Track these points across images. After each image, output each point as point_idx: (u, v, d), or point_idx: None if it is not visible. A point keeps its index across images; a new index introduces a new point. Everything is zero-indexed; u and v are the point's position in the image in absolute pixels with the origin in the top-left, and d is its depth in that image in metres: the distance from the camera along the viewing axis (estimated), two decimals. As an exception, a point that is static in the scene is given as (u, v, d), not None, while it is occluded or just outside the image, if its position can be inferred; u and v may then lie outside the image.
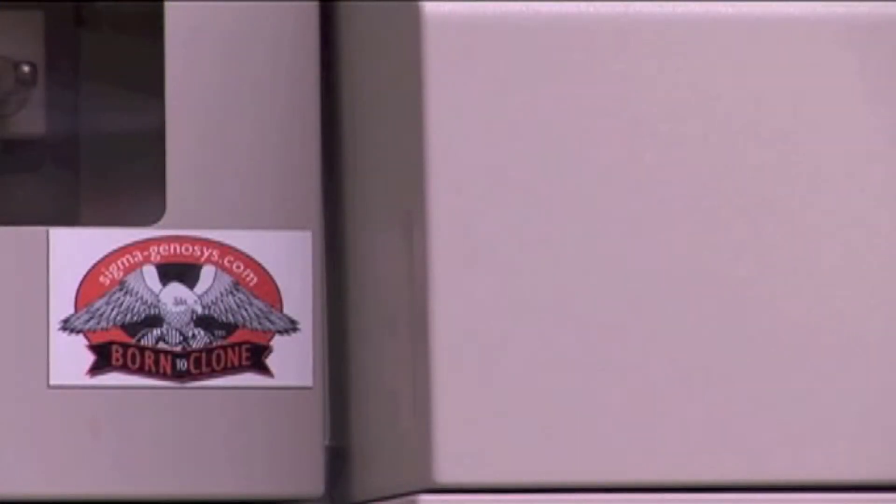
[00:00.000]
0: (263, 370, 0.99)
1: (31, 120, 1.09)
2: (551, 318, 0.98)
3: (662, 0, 1.07)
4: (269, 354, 0.95)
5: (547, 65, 1.00)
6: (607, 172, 0.98)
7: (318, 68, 1.11)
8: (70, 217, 1.08)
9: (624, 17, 1.02)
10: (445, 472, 0.97)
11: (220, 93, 1.05)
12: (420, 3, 0.94)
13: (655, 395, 1.04)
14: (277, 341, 0.97)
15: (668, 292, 0.99)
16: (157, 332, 0.96)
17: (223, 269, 0.95)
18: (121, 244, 0.97)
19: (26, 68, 1.05)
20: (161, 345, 0.96)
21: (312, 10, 1.08)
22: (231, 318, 0.95)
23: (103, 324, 0.96)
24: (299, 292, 1.00)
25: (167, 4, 1.06)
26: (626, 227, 0.96)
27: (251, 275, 0.96)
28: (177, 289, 1.01)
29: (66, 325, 0.97)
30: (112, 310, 0.97)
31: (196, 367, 0.97)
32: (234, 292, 0.95)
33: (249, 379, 0.95)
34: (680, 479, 1.08)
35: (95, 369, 0.96)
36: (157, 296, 0.98)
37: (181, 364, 0.96)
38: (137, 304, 0.97)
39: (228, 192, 1.01)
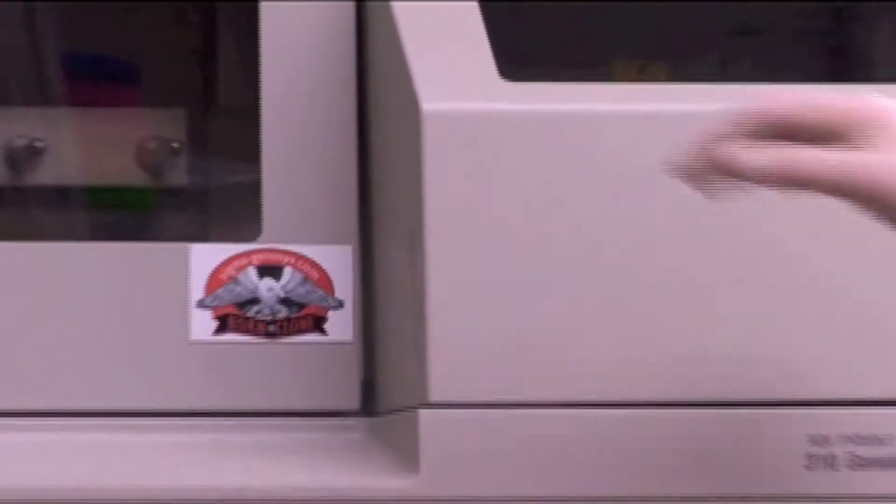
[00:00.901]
0: (322, 332, 1.32)
1: (178, 176, 1.44)
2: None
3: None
4: (325, 322, 1.28)
5: (517, 148, 1.24)
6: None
7: (356, 104, 1.38)
8: (202, 236, 1.40)
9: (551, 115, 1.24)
10: (437, 392, 1.26)
11: (301, 146, 1.35)
12: (420, 103, 1.22)
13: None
14: (331, 315, 1.29)
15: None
16: (256, 308, 1.28)
17: (297, 269, 1.29)
18: (234, 253, 1.29)
19: (176, 144, 1.40)
20: (259, 316, 1.27)
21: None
22: (302, 300, 1.28)
23: (223, 303, 1.28)
24: (344, 284, 1.32)
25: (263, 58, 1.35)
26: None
27: (314, 273, 1.29)
28: (268, 282, 1.32)
29: (201, 304, 1.28)
30: (228, 294, 1.28)
31: (280, 330, 1.29)
32: (304, 284, 1.28)
33: (313, 338, 1.28)
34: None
35: (218, 331, 1.28)
36: (256, 286, 1.30)
37: (271, 328, 1.28)
38: (244, 291, 1.28)
39: (300, 218, 1.32)
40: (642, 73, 1.69)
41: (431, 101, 1.21)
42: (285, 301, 1.32)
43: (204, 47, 1.59)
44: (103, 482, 1.29)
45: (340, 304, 1.35)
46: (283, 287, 1.33)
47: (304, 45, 1.44)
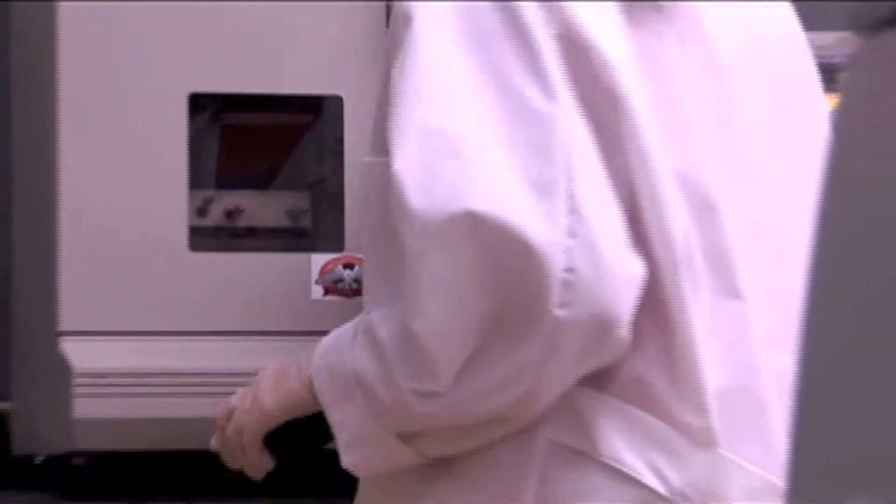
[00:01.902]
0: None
1: (306, 222, 1.90)
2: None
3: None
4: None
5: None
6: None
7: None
8: (317, 249, 1.84)
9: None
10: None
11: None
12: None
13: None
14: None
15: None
16: (341, 284, 1.78)
17: (360, 265, 1.71)
18: (331, 258, 1.80)
19: (305, 208, 1.84)
20: (342, 286, 1.79)
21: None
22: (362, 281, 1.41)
23: (326, 281, 1.79)
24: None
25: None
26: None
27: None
28: (348, 271, 1.82)
29: (316, 282, 1.80)
30: (329, 277, 1.78)
31: (354, 294, 1.77)
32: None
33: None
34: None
35: (324, 294, 1.79)
36: (342, 273, 1.80)
37: (348, 293, 1.81)
38: (336, 275, 1.79)
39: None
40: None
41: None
42: (356, 281, 1.82)
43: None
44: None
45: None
46: (355, 274, 1.84)
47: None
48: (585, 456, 1.26)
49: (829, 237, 0.54)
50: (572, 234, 1.19)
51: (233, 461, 1.41)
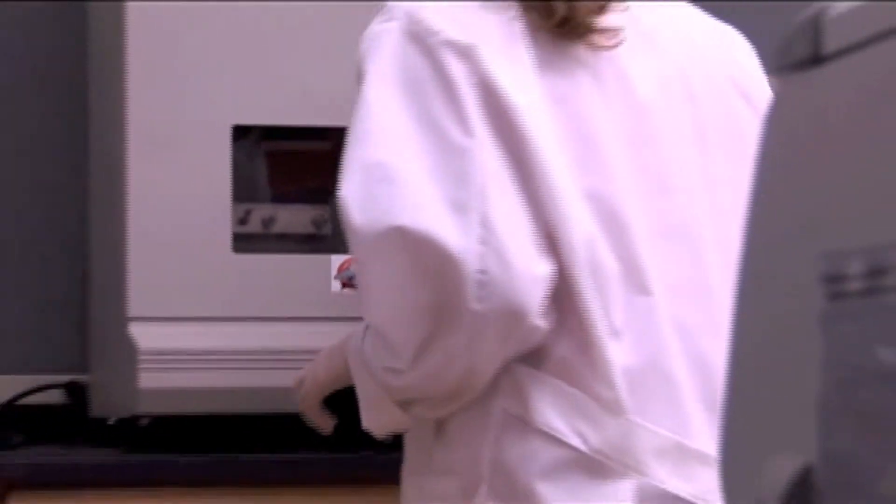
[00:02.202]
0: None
1: (327, 229, 1.83)
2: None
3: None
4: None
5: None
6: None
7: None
8: (336, 251, 1.76)
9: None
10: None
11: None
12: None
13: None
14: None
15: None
16: (353, 280, 1.64)
17: None
18: (347, 258, 1.69)
19: (326, 218, 1.80)
20: (355, 282, 1.62)
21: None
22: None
23: (343, 278, 1.76)
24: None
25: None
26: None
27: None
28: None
29: (335, 278, 1.74)
30: (345, 274, 1.75)
31: None
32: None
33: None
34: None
35: (342, 288, 1.73)
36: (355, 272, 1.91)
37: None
38: (351, 274, 1.72)
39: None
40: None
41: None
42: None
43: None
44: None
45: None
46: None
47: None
48: (527, 423, 1.30)
49: (755, 245, 0.54)
50: (484, 242, 1.23)
51: (307, 420, 1.49)
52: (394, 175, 1.25)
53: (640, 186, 1.30)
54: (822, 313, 0.47)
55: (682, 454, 1.29)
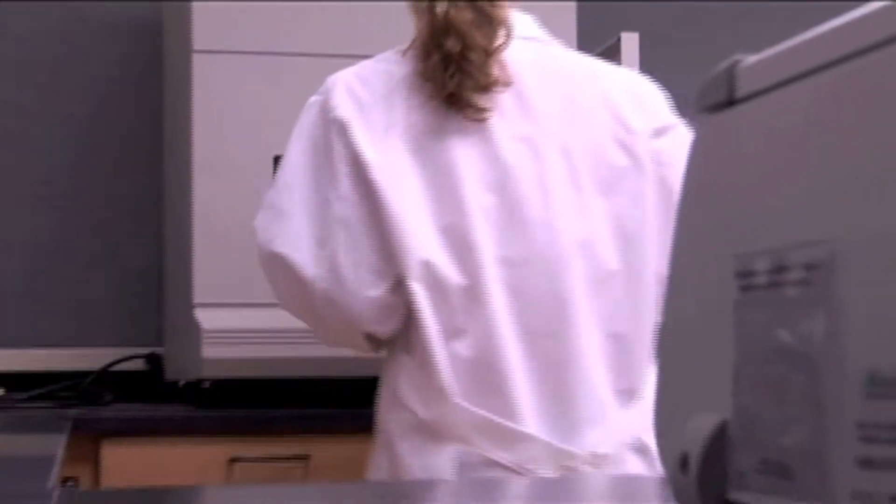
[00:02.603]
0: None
1: None
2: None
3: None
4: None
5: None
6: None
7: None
8: None
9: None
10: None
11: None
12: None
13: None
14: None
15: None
16: None
17: None
18: None
19: None
20: None
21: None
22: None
23: None
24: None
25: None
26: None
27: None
28: None
29: None
30: None
31: None
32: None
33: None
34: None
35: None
36: None
37: None
38: None
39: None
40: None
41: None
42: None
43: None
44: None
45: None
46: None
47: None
48: (395, 394, 1.36)
49: (683, 247, 0.52)
50: (331, 270, 1.29)
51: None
52: (284, 215, 1.32)
53: (491, 225, 1.29)
54: (736, 301, 0.47)
55: (500, 432, 1.28)
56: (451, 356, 1.28)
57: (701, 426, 0.46)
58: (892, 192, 0.38)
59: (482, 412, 1.28)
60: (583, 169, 1.31)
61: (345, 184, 1.30)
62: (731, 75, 0.48)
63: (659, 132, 1.34)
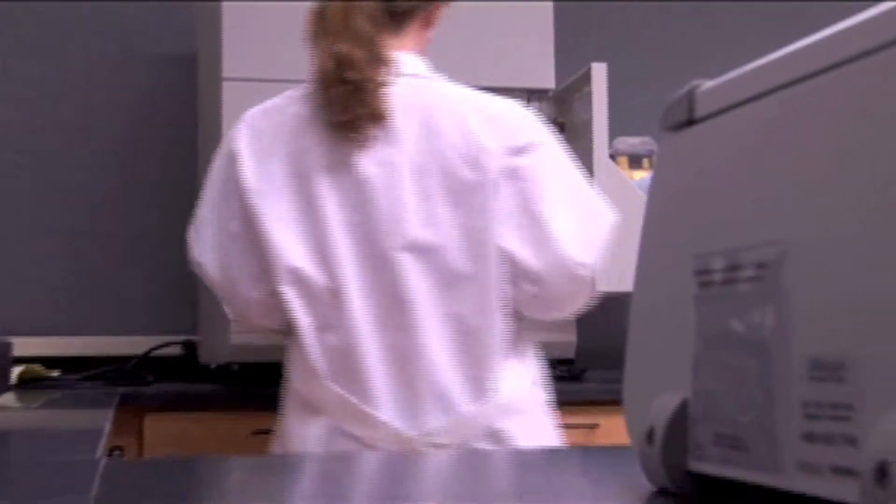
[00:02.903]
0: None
1: None
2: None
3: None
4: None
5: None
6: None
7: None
8: None
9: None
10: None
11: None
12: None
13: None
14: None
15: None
16: None
17: None
18: None
19: None
20: None
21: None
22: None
23: None
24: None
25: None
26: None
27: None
28: None
29: None
30: None
31: None
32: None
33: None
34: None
35: None
36: None
37: None
38: None
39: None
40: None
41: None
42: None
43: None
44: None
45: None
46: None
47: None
48: (289, 375, 1.37)
49: (650, 249, 0.52)
50: (225, 277, 1.35)
51: None
52: (201, 227, 1.36)
53: (350, 234, 1.30)
54: (696, 296, 0.46)
55: (357, 412, 1.30)
56: (321, 345, 1.30)
57: (665, 404, 0.46)
58: (832, 200, 0.38)
59: (344, 394, 1.30)
60: (433, 185, 1.31)
61: (234, 205, 1.34)
62: (690, 99, 0.48)
63: (517, 151, 1.32)
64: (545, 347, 1.45)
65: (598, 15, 2.35)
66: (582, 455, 0.65)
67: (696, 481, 0.45)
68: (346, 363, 1.30)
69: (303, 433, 1.31)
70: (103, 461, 0.61)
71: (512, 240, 1.29)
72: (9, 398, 1.45)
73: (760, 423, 0.40)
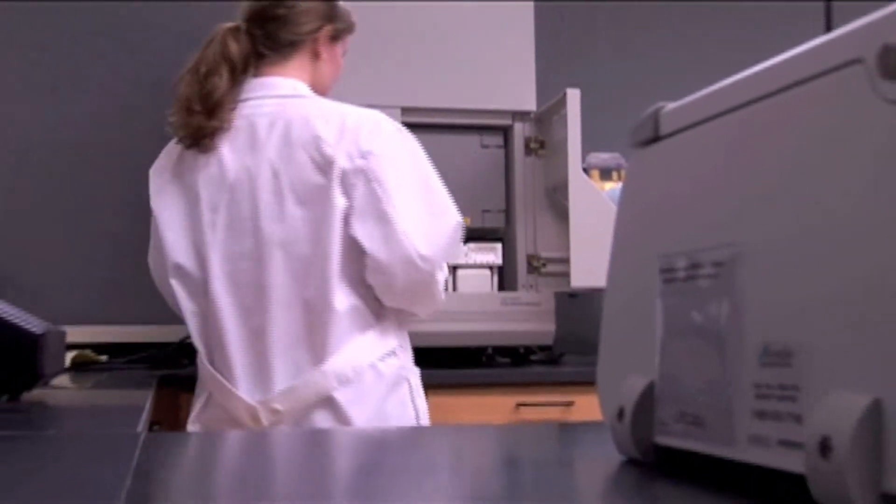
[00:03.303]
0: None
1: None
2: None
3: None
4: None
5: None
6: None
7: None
8: None
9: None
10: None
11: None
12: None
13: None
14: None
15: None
16: None
17: None
18: None
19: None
20: None
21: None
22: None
23: None
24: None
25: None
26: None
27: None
28: None
29: None
30: None
31: None
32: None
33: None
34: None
35: None
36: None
37: None
38: None
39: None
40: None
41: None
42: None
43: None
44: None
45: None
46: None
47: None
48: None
49: (620, 249, 0.51)
50: (153, 273, 1.41)
51: None
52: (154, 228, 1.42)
53: (218, 231, 1.33)
54: (661, 291, 0.46)
55: (222, 387, 1.33)
56: (199, 330, 1.34)
57: (634, 386, 0.46)
58: (781, 208, 0.38)
59: (213, 371, 1.34)
60: (286, 187, 1.32)
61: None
62: (655, 118, 0.48)
63: (364, 155, 1.32)
64: (526, 336, 1.42)
65: (575, 44, 2.36)
66: (560, 430, 0.65)
67: (660, 453, 0.45)
68: (215, 344, 1.33)
69: (196, 404, 1.38)
70: (144, 434, 0.61)
71: (364, 235, 1.29)
72: (63, 379, 1.45)
73: (717, 403, 0.40)
